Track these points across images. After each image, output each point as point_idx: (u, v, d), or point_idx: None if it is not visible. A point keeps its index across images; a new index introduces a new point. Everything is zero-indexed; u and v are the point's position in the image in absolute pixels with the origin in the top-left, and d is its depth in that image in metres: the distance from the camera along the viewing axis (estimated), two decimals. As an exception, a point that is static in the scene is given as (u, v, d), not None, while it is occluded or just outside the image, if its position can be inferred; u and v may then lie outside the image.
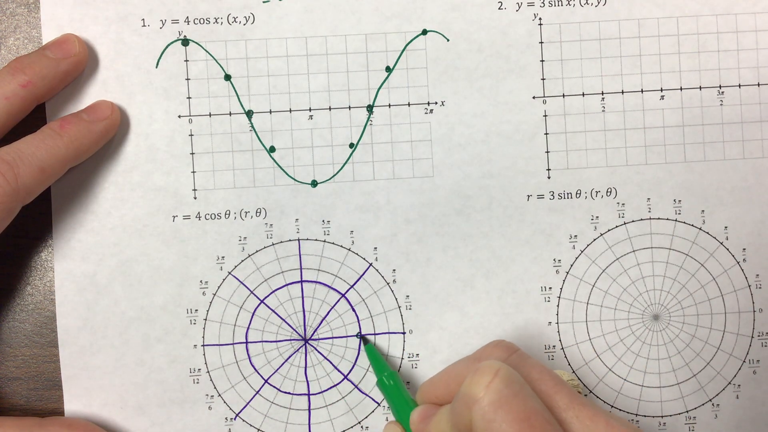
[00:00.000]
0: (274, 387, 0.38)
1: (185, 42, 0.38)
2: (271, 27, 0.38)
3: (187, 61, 0.38)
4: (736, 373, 0.39)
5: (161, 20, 0.38)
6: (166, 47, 0.38)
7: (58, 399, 0.38)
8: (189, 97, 0.38)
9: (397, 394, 0.35)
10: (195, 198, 0.38)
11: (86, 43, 0.37)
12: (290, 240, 0.38)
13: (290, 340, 0.38)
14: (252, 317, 0.38)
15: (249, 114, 0.38)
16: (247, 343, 0.38)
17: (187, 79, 0.38)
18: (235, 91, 0.38)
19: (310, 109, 0.38)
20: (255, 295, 0.38)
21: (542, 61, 0.38)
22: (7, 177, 0.33)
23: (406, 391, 0.36)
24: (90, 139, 0.36)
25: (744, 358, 0.39)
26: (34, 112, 0.37)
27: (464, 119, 0.38)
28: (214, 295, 0.38)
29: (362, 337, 0.38)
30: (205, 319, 0.38)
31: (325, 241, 0.38)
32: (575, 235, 0.39)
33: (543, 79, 0.38)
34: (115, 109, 0.37)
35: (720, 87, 0.39)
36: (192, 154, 0.38)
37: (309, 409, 0.38)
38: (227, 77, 0.38)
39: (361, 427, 0.38)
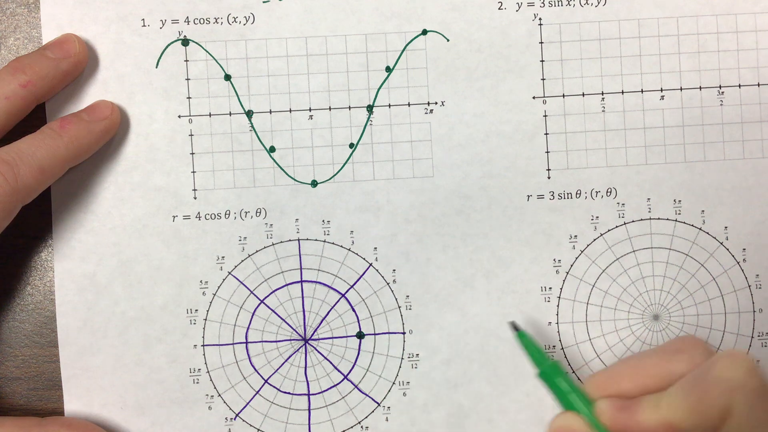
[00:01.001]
0: (274, 387, 0.38)
1: (185, 42, 0.38)
2: (271, 27, 0.38)
3: (187, 61, 0.38)
4: (736, 373, 0.39)
5: (161, 20, 0.38)
6: (166, 47, 0.38)
7: (58, 399, 0.38)
8: (189, 97, 0.38)
9: (566, 386, 0.33)
10: (195, 198, 0.38)
11: (86, 43, 0.37)
12: (290, 240, 0.38)
13: (290, 340, 0.38)
14: (252, 317, 0.38)
15: (249, 114, 0.38)
16: (247, 343, 0.38)
17: (187, 79, 0.38)
18: (235, 91, 0.38)
19: (310, 109, 0.38)
20: (255, 295, 0.38)
21: (542, 61, 0.38)
22: (7, 177, 0.33)
23: (571, 381, 0.34)
24: (90, 139, 0.36)
25: (744, 358, 0.39)
26: (34, 112, 0.37)
27: (464, 119, 0.38)
28: (214, 295, 0.38)
29: (514, 325, 0.36)
30: (205, 319, 0.38)
31: (325, 241, 0.38)
32: (575, 235, 0.39)
33: (543, 79, 0.38)
34: (115, 109, 0.37)
35: (720, 87, 0.39)
36: (192, 154, 0.38)
37: (309, 409, 0.38)
38: (227, 77, 0.38)
39: (361, 427, 0.38)
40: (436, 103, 0.38)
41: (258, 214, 0.38)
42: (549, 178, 0.38)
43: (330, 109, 0.38)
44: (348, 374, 0.38)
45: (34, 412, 0.38)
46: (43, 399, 0.38)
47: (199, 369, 0.38)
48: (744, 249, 0.39)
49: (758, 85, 0.39)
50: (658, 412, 0.30)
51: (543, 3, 0.38)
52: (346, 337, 0.38)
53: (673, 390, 0.30)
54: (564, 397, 0.33)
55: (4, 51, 0.38)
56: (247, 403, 0.38)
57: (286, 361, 0.38)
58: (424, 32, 0.38)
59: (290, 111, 0.38)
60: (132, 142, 0.38)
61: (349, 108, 0.38)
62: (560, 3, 0.38)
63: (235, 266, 0.38)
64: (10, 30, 0.38)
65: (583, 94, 0.39)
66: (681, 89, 0.39)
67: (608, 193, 0.39)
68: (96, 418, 0.37)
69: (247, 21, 0.38)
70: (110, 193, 0.38)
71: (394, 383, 0.38)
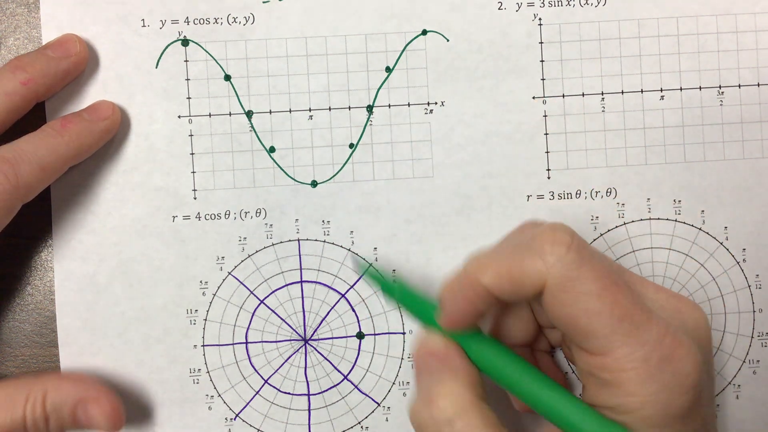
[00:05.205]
0: (274, 387, 0.38)
1: (185, 42, 0.38)
2: (270, 27, 0.38)
3: (187, 61, 0.38)
4: (736, 373, 0.39)
5: (161, 20, 0.38)
6: (166, 47, 0.38)
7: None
8: (189, 98, 0.38)
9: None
10: (195, 198, 0.38)
11: (86, 43, 0.37)
12: (290, 240, 0.38)
13: (290, 340, 0.38)
14: (252, 317, 0.38)
15: (249, 114, 0.38)
16: (247, 343, 0.38)
17: (187, 80, 0.38)
18: (235, 91, 0.38)
19: (309, 110, 0.38)
20: (255, 296, 0.38)
21: (542, 61, 0.38)
22: (8, 175, 0.33)
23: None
24: (91, 138, 0.36)
25: (744, 359, 0.39)
26: (34, 111, 0.37)
27: (464, 119, 0.38)
28: (214, 295, 0.38)
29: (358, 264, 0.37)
30: (205, 320, 0.38)
31: (325, 241, 0.38)
32: (575, 236, 0.39)
33: (543, 80, 0.38)
34: (115, 109, 0.37)
35: (720, 87, 0.39)
36: (192, 154, 0.38)
37: (309, 410, 0.38)
38: (227, 77, 0.38)
39: (361, 427, 0.38)
40: (435, 103, 0.38)
41: (258, 214, 0.38)
42: (549, 178, 0.38)
43: (330, 109, 0.38)
44: (348, 374, 0.38)
45: (34, 412, 0.38)
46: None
47: (199, 369, 0.38)
48: (744, 249, 0.39)
49: (758, 85, 0.39)
50: (473, 267, 0.30)
51: (543, 3, 0.38)
52: (346, 337, 0.38)
53: (494, 253, 0.30)
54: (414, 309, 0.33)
55: (4, 51, 0.38)
56: (247, 404, 0.38)
57: (286, 361, 0.38)
58: (424, 32, 0.38)
59: (290, 111, 0.38)
60: (132, 142, 0.38)
61: (349, 108, 0.38)
62: (560, 3, 0.38)
63: (235, 266, 0.38)
64: (10, 30, 0.38)
65: (583, 94, 0.39)
66: (681, 89, 0.39)
67: (608, 193, 0.39)
68: (96, 419, 0.37)
69: (246, 21, 0.38)
70: (110, 194, 0.38)
71: (394, 383, 0.38)
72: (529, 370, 0.30)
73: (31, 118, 0.37)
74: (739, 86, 0.39)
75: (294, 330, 0.38)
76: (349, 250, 0.38)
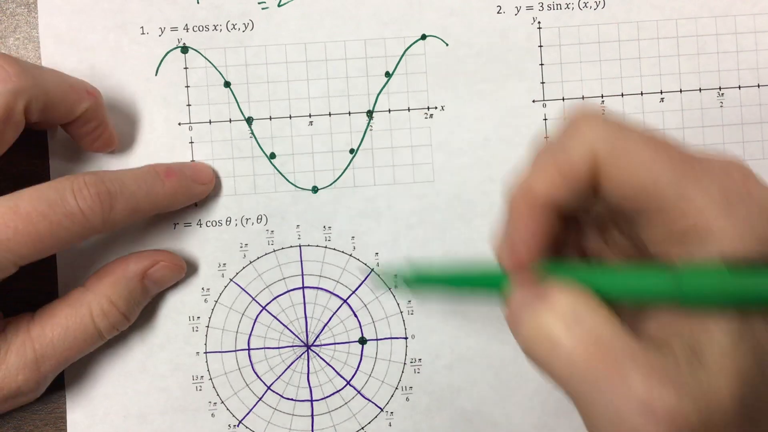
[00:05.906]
0: (277, 393, 0.38)
1: (184, 49, 0.38)
2: (270, 33, 0.38)
3: (186, 68, 0.38)
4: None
5: (160, 28, 0.37)
6: (166, 55, 0.38)
7: (58, 399, 0.38)
8: (189, 105, 0.38)
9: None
10: (196, 205, 0.38)
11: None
12: (291, 246, 0.38)
13: (292, 346, 0.38)
14: (254, 324, 0.38)
15: (249, 121, 0.38)
16: (249, 349, 0.38)
17: (187, 87, 0.38)
18: (235, 98, 0.38)
19: (310, 115, 0.38)
20: (257, 302, 0.38)
21: (542, 64, 0.38)
22: (104, 206, 0.32)
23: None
24: (186, 198, 0.36)
25: (745, 360, 0.39)
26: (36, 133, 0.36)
27: (464, 124, 0.38)
28: (216, 302, 0.38)
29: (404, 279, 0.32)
30: (207, 326, 0.38)
31: (326, 247, 0.38)
32: (576, 239, 0.39)
33: (543, 83, 0.38)
34: (213, 177, 0.37)
35: (720, 89, 0.39)
36: (192, 161, 0.38)
37: (312, 416, 0.38)
38: (227, 84, 0.38)
39: (365, 432, 0.38)
40: (435, 107, 0.38)
41: (259, 220, 0.38)
42: (549, 181, 0.38)
43: (330, 114, 0.38)
44: (351, 380, 0.38)
45: (35, 413, 0.38)
46: (44, 400, 0.38)
47: (202, 376, 0.38)
48: (745, 251, 0.39)
49: (758, 86, 0.39)
50: (518, 187, 0.28)
51: (542, 6, 0.38)
52: (349, 342, 0.38)
53: (536, 158, 0.28)
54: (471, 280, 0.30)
55: (3, 51, 0.38)
56: (250, 410, 0.38)
57: (288, 367, 0.38)
58: (423, 37, 0.38)
59: (290, 117, 0.38)
60: (132, 150, 0.37)
61: (349, 113, 0.38)
62: (559, 6, 0.38)
63: (237, 273, 0.38)
64: (10, 30, 0.38)
65: (583, 97, 0.39)
66: (681, 91, 0.39)
67: (609, 196, 0.39)
68: (99, 427, 0.37)
69: (246, 28, 0.38)
70: (111, 202, 0.38)
71: (396, 388, 0.38)
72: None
73: (30, 136, 0.36)
74: (739, 87, 0.39)
75: (296, 336, 0.38)
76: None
